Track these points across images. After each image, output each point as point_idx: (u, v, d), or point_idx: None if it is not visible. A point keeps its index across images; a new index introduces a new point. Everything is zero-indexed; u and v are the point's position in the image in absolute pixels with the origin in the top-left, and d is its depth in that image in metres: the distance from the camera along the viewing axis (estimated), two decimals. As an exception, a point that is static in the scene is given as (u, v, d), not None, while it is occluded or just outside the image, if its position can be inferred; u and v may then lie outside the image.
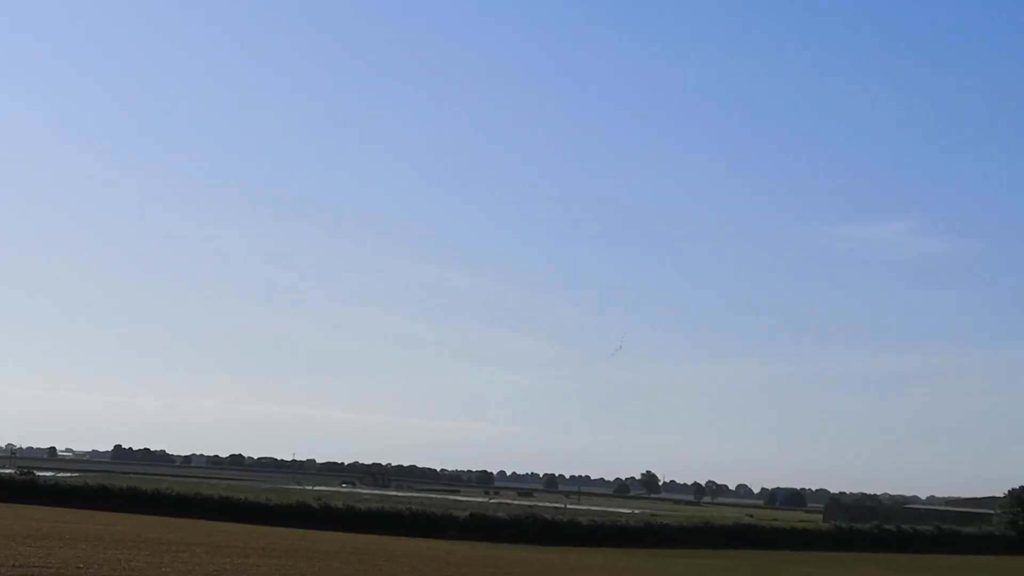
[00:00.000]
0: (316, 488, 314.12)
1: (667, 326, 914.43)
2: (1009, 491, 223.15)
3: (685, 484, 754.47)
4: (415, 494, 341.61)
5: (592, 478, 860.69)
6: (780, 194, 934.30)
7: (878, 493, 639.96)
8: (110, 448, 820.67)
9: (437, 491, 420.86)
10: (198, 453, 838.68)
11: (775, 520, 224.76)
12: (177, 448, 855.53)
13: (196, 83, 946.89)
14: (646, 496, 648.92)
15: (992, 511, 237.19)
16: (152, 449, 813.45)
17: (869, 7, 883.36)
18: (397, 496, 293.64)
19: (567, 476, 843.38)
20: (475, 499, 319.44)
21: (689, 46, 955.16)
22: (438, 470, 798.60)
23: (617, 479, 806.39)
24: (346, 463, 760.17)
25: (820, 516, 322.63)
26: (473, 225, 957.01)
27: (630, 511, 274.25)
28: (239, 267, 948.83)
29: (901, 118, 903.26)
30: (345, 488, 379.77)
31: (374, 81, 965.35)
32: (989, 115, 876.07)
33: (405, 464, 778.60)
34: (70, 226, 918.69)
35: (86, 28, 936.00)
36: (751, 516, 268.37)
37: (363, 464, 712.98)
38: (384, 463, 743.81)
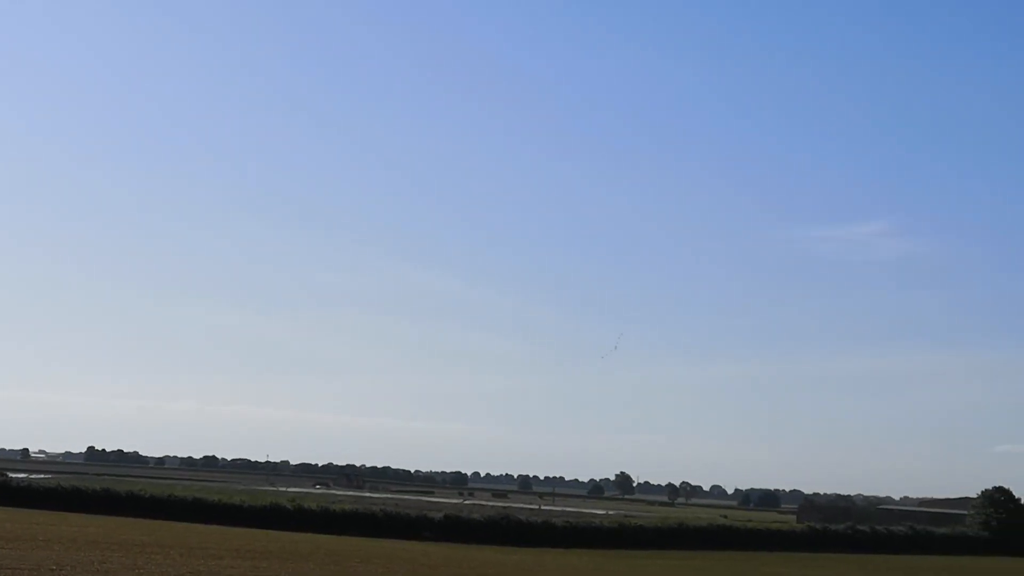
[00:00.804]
0: (290, 490, 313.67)
1: (643, 328, 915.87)
2: (982, 492, 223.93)
3: (659, 485, 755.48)
4: (389, 495, 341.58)
5: (566, 479, 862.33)
6: (759, 196, 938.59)
7: (852, 494, 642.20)
8: (83, 449, 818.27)
9: (411, 492, 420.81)
10: (172, 455, 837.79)
11: (749, 521, 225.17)
12: (151, 450, 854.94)
13: (180, 85, 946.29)
14: (620, 497, 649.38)
15: (965, 512, 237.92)
16: (126, 451, 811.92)
17: (848, 11, 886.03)
18: (371, 497, 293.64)
19: (541, 477, 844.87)
20: (449, 500, 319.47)
21: (671, 50, 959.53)
22: (412, 471, 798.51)
23: (591, 480, 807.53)
24: (320, 464, 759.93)
25: (794, 517, 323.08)
26: (450, 227, 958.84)
27: (604, 512, 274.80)
28: (214, 269, 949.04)
29: (880, 121, 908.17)
30: (319, 489, 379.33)
31: (357, 84, 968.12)
32: (966, 117, 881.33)
33: (379, 465, 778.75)
34: (42, 228, 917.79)
35: (77, 31, 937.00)
36: (725, 517, 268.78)
37: (337, 465, 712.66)
38: (358, 464, 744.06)
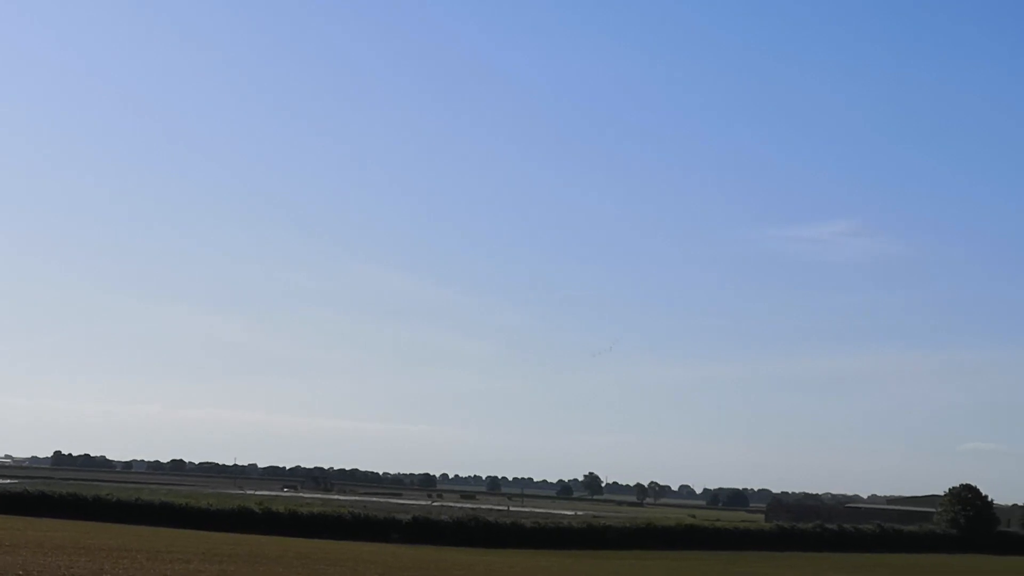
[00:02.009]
0: (258, 493, 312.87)
1: (611, 328, 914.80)
2: (949, 489, 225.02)
3: (628, 485, 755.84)
4: (357, 498, 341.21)
5: (535, 480, 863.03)
6: (726, 196, 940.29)
7: (820, 493, 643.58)
8: (50, 454, 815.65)
9: (379, 494, 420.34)
10: (139, 459, 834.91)
11: (718, 521, 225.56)
12: (118, 454, 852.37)
13: (156, 84, 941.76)
14: (589, 498, 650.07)
15: (933, 509, 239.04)
16: (93, 455, 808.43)
17: (816, 11, 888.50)
18: (339, 500, 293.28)
19: (510, 478, 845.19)
20: (418, 502, 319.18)
21: (642, 52, 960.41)
22: (380, 473, 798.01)
23: (560, 481, 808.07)
24: (288, 467, 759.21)
25: (763, 516, 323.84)
26: (420, 228, 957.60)
27: (573, 513, 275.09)
28: (181, 271, 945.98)
29: (847, 121, 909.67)
30: (287, 492, 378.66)
31: (335, 84, 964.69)
32: (933, 116, 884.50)
33: (347, 468, 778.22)
34: (9, 230, 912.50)
35: (55, 30, 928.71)
36: (694, 517, 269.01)
37: (305, 468, 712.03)
38: (326, 467, 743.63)
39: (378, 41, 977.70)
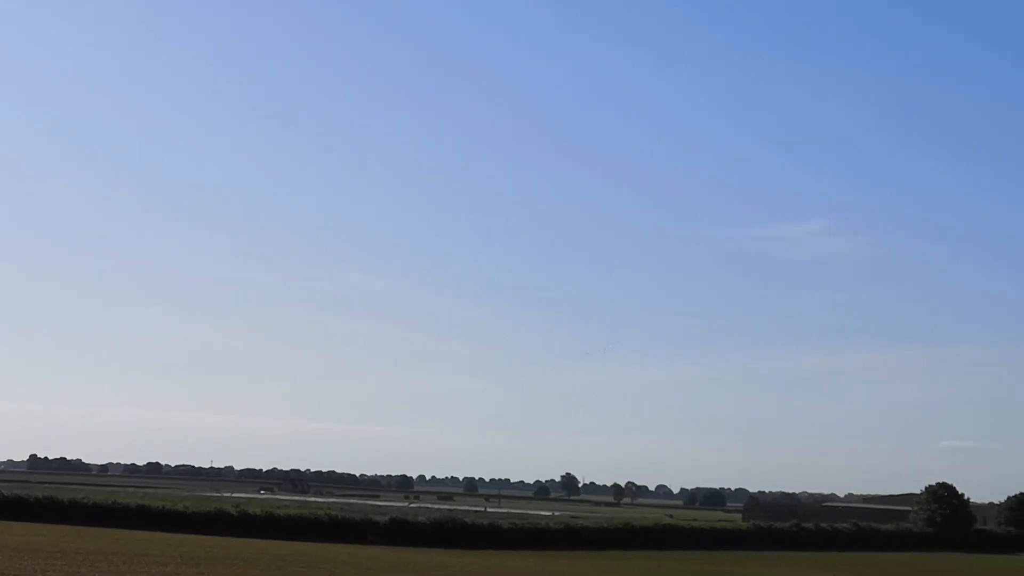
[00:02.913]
0: (234, 495, 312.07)
1: (585, 327, 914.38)
2: (926, 488, 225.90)
3: (605, 486, 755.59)
4: (334, 500, 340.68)
5: (512, 481, 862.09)
6: (699, 195, 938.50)
7: (797, 492, 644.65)
8: (26, 457, 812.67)
9: (357, 496, 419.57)
10: (115, 462, 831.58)
11: (695, 520, 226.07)
12: (94, 457, 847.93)
13: (121, 81, 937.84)
14: (566, 498, 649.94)
15: (910, 508, 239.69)
16: (69, 458, 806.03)
17: (790, 10, 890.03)
18: (316, 502, 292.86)
19: (487, 479, 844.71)
20: (395, 504, 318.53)
21: (614, 50, 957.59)
22: (357, 475, 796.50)
23: (537, 481, 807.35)
24: (264, 470, 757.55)
25: (740, 516, 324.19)
26: (392, 228, 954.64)
27: (550, 513, 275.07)
28: (157, 273, 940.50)
29: (818, 119, 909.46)
30: (264, 495, 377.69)
31: (308, 84, 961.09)
32: (906, 115, 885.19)
33: (324, 469, 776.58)
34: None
35: (18, 26, 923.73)
36: (671, 517, 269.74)
37: (282, 470, 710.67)
38: (303, 469, 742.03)
39: (353, 41, 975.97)
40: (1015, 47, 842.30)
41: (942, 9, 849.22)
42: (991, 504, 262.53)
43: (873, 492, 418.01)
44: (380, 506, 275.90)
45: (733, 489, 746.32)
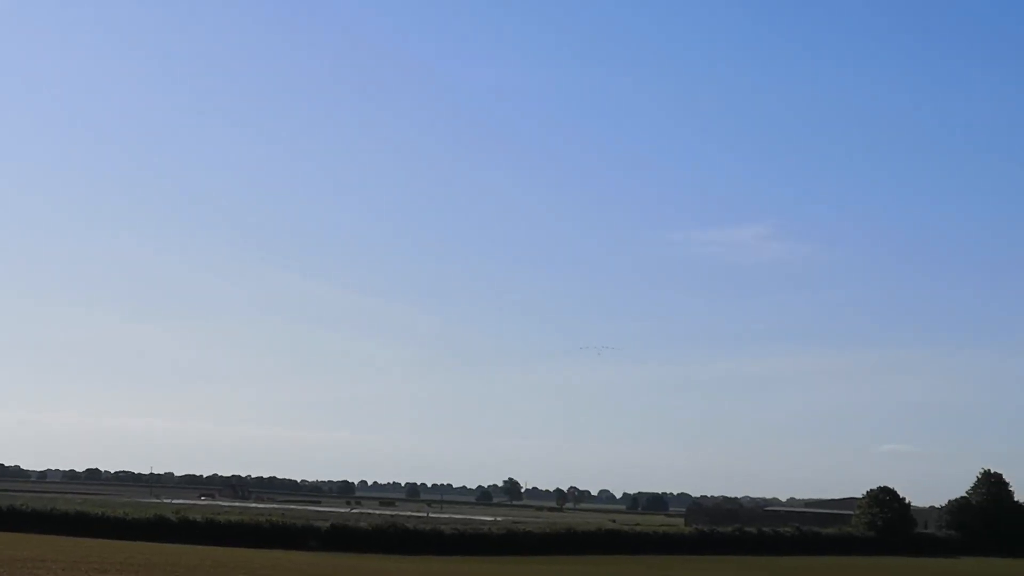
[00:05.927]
0: (175, 501, 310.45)
1: (528, 330, 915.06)
2: (867, 492, 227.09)
3: (547, 491, 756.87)
4: (275, 506, 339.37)
5: (454, 486, 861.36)
6: (638, 199, 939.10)
7: (739, 496, 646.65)
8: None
9: (298, 502, 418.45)
10: (54, 468, 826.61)
11: (638, 525, 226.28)
12: (32, 463, 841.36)
13: (72, 84, 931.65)
14: (509, 503, 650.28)
15: (851, 512, 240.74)
16: (6, 464, 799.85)
17: (726, 12, 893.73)
18: (257, 508, 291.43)
19: (429, 485, 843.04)
20: (336, 509, 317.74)
21: (561, 53, 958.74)
22: (299, 481, 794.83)
23: (479, 487, 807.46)
24: (205, 476, 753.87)
25: (682, 520, 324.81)
26: (332, 233, 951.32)
27: (493, 519, 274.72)
28: (94, 275, 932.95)
29: (759, 123, 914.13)
30: (204, 501, 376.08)
31: (249, 81, 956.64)
32: (844, 120, 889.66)
33: (265, 475, 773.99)
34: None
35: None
36: (614, 521, 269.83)
37: (222, 476, 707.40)
38: (244, 475, 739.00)
39: (301, 39, 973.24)
40: (954, 47, 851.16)
41: (884, 13, 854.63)
42: (932, 508, 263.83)
43: (815, 496, 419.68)
44: (322, 512, 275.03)
45: (675, 494, 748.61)
